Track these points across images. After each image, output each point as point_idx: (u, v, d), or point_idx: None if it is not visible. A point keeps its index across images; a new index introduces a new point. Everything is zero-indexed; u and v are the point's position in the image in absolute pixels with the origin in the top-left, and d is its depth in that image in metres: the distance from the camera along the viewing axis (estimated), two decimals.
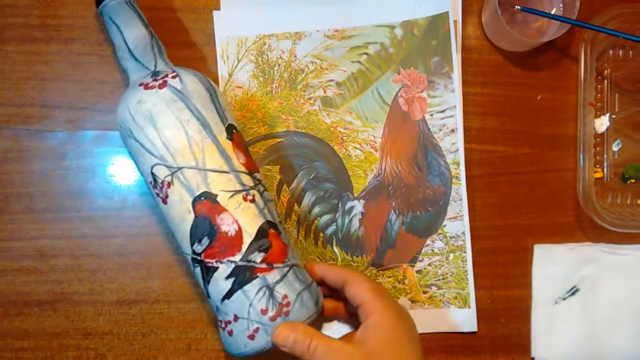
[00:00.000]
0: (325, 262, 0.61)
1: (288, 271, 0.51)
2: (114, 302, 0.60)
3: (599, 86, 0.63)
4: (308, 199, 0.62)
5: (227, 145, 0.52)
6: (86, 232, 0.60)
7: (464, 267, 0.61)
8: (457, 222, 0.62)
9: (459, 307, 0.61)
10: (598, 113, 0.62)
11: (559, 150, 0.63)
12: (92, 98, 0.61)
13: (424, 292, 0.61)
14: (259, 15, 0.62)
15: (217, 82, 0.61)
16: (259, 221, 0.51)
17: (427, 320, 0.61)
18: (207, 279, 0.51)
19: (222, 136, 0.52)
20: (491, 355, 0.62)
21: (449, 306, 0.61)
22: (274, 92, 0.62)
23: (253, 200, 0.52)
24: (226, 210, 0.51)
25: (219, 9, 0.62)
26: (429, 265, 0.62)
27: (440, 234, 0.62)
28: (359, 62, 0.62)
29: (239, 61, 0.62)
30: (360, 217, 0.62)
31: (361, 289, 0.52)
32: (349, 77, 0.62)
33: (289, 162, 0.62)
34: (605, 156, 0.62)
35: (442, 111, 0.62)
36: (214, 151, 0.51)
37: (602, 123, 0.62)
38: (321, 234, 0.62)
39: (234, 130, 0.53)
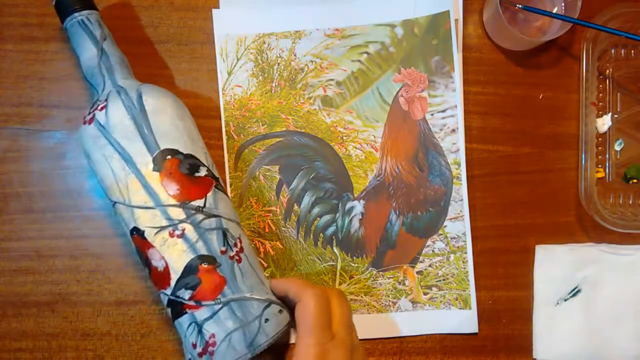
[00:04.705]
0: (325, 262, 0.61)
1: (220, 308, 0.49)
2: (112, 302, 0.60)
3: (600, 85, 0.62)
4: (308, 199, 0.61)
5: (153, 177, 0.50)
6: (85, 232, 0.60)
7: (464, 268, 0.61)
8: (458, 223, 0.61)
9: (460, 308, 0.61)
10: (600, 112, 0.62)
11: (561, 149, 0.63)
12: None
13: (425, 294, 0.61)
14: (259, 14, 0.62)
15: (215, 80, 0.61)
16: (187, 257, 0.49)
17: (427, 322, 0.61)
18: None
19: (148, 168, 0.50)
20: (492, 357, 0.61)
21: (449, 307, 0.61)
22: (273, 92, 0.62)
23: (182, 235, 0.49)
24: (153, 246, 0.50)
25: (218, 8, 0.61)
26: (430, 266, 0.61)
27: (440, 234, 0.61)
28: (359, 61, 0.62)
29: (238, 60, 0.62)
30: (361, 217, 0.61)
31: (303, 319, 0.47)
32: (349, 76, 0.62)
33: (289, 162, 0.62)
34: (607, 156, 0.62)
35: (443, 111, 0.62)
36: (137, 187, 0.50)
37: (604, 122, 0.62)
38: (321, 235, 0.61)
39: (169, 156, 0.50)
